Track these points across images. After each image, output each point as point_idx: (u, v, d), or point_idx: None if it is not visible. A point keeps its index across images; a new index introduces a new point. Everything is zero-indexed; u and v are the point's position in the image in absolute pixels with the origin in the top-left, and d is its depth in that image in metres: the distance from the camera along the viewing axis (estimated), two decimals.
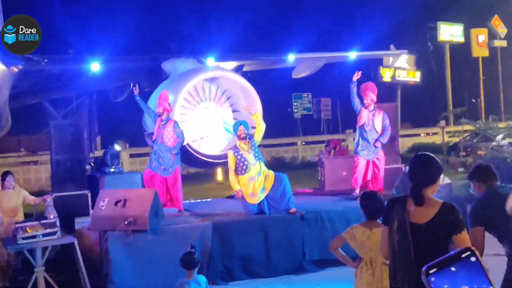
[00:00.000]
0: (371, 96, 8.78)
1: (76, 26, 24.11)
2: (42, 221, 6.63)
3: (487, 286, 0.79)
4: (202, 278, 4.93)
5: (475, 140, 18.47)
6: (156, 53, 12.99)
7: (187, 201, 9.56)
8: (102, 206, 6.98)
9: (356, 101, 8.78)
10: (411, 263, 3.03)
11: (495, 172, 4.08)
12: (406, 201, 3.17)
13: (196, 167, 12.07)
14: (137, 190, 7.94)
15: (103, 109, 15.46)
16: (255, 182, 7.63)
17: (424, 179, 3.16)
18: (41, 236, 6.48)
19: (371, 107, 8.81)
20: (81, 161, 9.25)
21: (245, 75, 11.29)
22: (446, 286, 0.79)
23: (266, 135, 8.32)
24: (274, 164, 19.65)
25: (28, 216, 7.93)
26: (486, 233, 3.75)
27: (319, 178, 10.32)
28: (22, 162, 21.47)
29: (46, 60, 9.38)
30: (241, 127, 7.72)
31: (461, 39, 30.82)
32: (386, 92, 25.78)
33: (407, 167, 3.96)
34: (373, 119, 8.80)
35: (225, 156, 8.34)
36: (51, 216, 6.74)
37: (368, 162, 8.87)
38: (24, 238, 6.40)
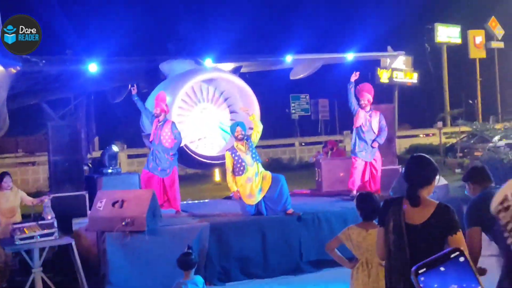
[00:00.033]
0: (368, 96, 8.81)
1: (74, 27, 24.10)
2: (40, 222, 6.63)
3: (476, 286, 0.81)
4: (199, 279, 4.95)
5: (472, 141, 18.52)
6: (154, 54, 12.97)
7: (185, 202, 9.58)
8: (100, 207, 6.99)
9: (353, 101, 8.80)
10: (406, 263, 3.05)
11: (489, 174, 4.11)
12: (401, 202, 3.20)
13: (194, 168, 12.07)
14: (134, 191, 7.95)
15: (101, 110, 15.44)
16: (252, 183, 7.65)
17: (420, 180, 3.19)
18: (38, 237, 6.49)
19: (368, 108, 8.84)
20: (79, 162, 9.25)
21: (243, 76, 11.30)
22: (436, 286, 0.81)
23: (264, 136, 8.35)
24: (272, 165, 19.67)
25: (25, 217, 7.94)
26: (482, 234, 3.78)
27: (317, 179, 10.35)
28: (20, 163, 21.47)
29: (44, 61, 9.38)
30: (238, 128, 7.74)
31: (458, 41, 30.87)
32: (384, 93, 25.83)
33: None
34: (370, 120, 8.82)
35: (222, 157, 8.36)
36: (49, 217, 6.75)
37: (366, 163, 8.90)
38: (21, 239, 6.41)
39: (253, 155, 7.72)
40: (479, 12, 30.91)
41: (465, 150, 18.67)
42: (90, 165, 10.64)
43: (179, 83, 9.62)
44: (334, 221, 7.60)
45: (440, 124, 20.66)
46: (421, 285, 0.81)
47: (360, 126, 8.84)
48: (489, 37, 30.85)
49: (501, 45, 30.86)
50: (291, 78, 13.20)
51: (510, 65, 31.01)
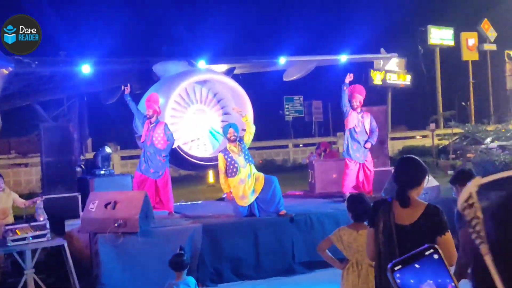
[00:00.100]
0: (360, 98, 8.86)
1: (68, 28, 24.06)
2: (32, 223, 6.62)
3: (450, 281, 0.84)
4: (191, 280, 4.95)
5: (464, 143, 18.59)
6: (147, 56, 12.96)
7: (178, 203, 9.58)
8: (92, 208, 6.99)
9: (346, 103, 8.84)
10: None
11: (475, 176, 4.16)
12: (391, 203, 3.22)
13: (187, 169, 12.08)
14: (127, 192, 7.96)
15: (94, 111, 15.40)
16: (245, 184, 7.66)
17: (409, 181, 3.22)
18: (31, 238, 6.48)
19: (359, 109, 8.89)
20: (72, 163, 9.24)
21: (237, 78, 11.33)
22: (412, 281, 0.84)
23: (257, 138, 8.38)
24: (266, 167, 19.70)
25: (18, 218, 7.90)
26: None
27: (310, 180, 10.38)
28: (13, 164, 21.39)
29: (36, 62, 9.36)
30: (231, 130, 7.76)
31: (451, 43, 31.03)
32: (377, 95, 25.93)
33: None
34: (363, 121, 8.88)
35: (215, 159, 8.38)
36: (41, 218, 6.73)
37: (359, 165, 8.93)
38: (14, 240, 6.40)
39: (246, 157, 7.74)
40: (472, 15, 31.10)
41: (458, 152, 18.75)
42: (83, 167, 10.63)
43: (173, 84, 9.63)
44: (327, 223, 7.63)
45: (433, 126, 20.75)
46: (398, 281, 0.84)
47: (354, 127, 8.88)
48: (482, 39, 31.03)
49: (493, 47, 31.05)
50: (285, 79, 13.24)
51: (503, 68, 31.21)
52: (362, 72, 25.63)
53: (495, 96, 30.90)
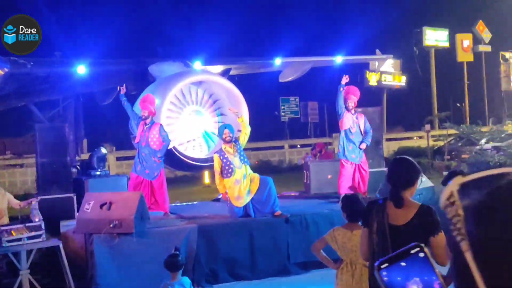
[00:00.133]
0: (354, 99, 8.89)
1: (64, 29, 24.03)
2: (27, 224, 6.61)
3: (436, 279, 0.86)
4: (186, 280, 4.97)
5: (459, 144, 18.68)
6: (143, 56, 12.97)
7: (173, 204, 9.59)
8: (88, 209, 6.99)
9: (341, 104, 8.86)
10: None
11: None
12: (385, 203, 3.25)
13: (183, 170, 12.09)
14: (122, 193, 7.95)
15: (90, 112, 15.43)
16: (240, 185, 7.68)
17: (403, 181, 3.24)
18: (26, 239, 6.47)
19: (353, 110, 8.93)
20: (67, 164, 9.23)
21: (232, 79, 11.34)
22: (399, 279, 0.86)
23: (253, 138, 8.39)
24: (261, 167, 19.72)
25: (13, 219, 7.89)
26: None
27: (305, 181, 10.40)
28: (8, 165, 21.34)
29: (32, 63, 9.36)
30: (226, 131, 7.77)
31: (446, 44, 31.16)
32: (372, 96, 26.01)
33: None
34: (358, 122, 8.91)
35: (211, 160, 8.39)
36: (36, 219, 6.73)
37: (355, 166, 8.96)
38: (9, 241, 6.39)
39: (241, 157, 7.75)
40: (467, 16, 31.25)
41: (453, 153, 18.83)
42: (79, 167, 10.62)
43: (168, 85, 9.63)
44: (322, 223, 7.64)
45: (428, 126, 20.83)
46: (385, 279, 0.86)
47: (349, 128, 8.91)
48: (477, 40, 31.19)
49: (488, 48, 31.22)
50: (280, 80, 13.28)
51: (497, 69, 31.35)
52: (357, 73, 25.72)
53: (490, 97, 31.05)
